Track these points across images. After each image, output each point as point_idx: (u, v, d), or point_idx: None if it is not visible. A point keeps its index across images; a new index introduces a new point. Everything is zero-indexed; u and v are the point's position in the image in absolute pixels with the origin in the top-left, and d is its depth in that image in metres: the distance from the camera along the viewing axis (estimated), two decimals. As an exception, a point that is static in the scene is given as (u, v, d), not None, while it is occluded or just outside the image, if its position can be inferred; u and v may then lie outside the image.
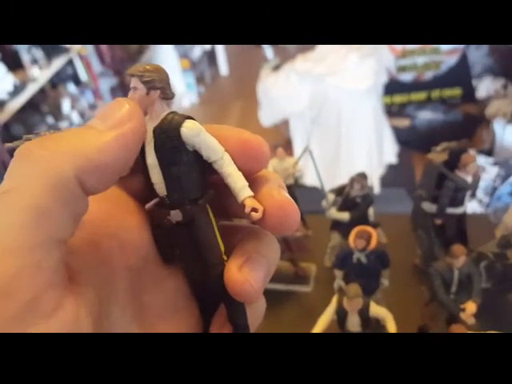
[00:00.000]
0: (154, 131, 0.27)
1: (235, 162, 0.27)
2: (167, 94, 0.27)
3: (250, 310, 0.29)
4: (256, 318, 0.30)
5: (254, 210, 0.26)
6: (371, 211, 1.10)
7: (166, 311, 0.29)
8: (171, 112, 0.27)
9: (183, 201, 0.27)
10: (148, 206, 0.28)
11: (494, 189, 2.37)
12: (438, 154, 0.98)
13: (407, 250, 1.17)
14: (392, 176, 2.73)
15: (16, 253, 0.20)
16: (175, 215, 0.27)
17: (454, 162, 0.96)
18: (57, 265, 0.22)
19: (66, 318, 0.21)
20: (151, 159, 0.27)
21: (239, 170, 0.27)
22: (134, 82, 0.26)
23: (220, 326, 0.30)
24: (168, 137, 0.26)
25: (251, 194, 0.27)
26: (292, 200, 0.27)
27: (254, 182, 0.27)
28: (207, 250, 0.28)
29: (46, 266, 0.21)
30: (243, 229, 0.30)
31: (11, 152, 0.24)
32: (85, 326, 0.22)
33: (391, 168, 2.77)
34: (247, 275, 0.26)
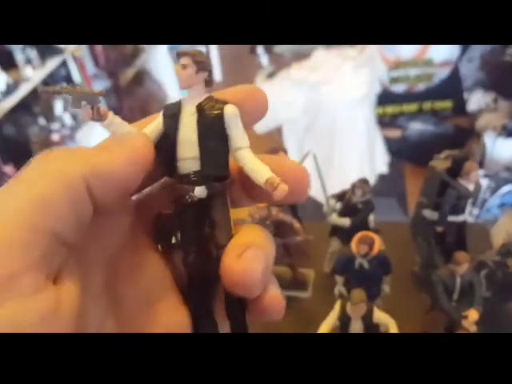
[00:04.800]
0: (199, 106, 0.28)
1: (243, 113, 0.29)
2: (211, 79, 0.29)
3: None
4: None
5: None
6: (371, 218, 1.10)
7: (142, 303, 0.28)
8: (211, 95, 0.29)
9: (211, 177, 0.28)
10: (162, 182, 0.30)
11: (484, 201, 2.39)
12: (441, 162, 0.98)
13: (405, 257, 1.17)
14: (383, 186, 2.75)
15: (10, 229, 0.21)
16: (200, 192, 0.28)
17: (456, 169, 0.96)
18: (46, 254, 0.22)
19: (44, 303, 0.21)
20: (188, 133, 0.28)
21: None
22: (185, 60, 0.28)
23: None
24: (212, 112, 0.28)
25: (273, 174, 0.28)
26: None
27: None
28: (220, 229, 0.28)
29: (36, 250, 0.21)
30: (240, 224, 0.30)
31: (45, 95, 0.25)
32: (64, 317, 0.22)
33: (382, 178, 2.78)
34: (244, 264, 0.26)
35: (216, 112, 0.28)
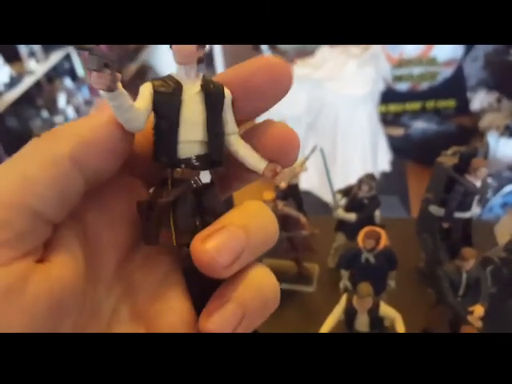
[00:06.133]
0: (204, 86, 0.26)
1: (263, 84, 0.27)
2: (203, 58, 0.27)
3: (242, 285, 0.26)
4: (258, 294, 0.27)
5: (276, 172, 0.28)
6: (377, 213, 1.10)
7: (157, 290, 0.28)
8: (203, 74, 0.27)
9: (216, 162, 0.27)
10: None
11: (486, 200, 2.39)
12: (448, 158, 0.98)
13: (409, 252, 1.17)
14: (385, 183, 2.75)
15: None
16: (205, 177, 0.27)
17: (464, 165, 0.96)
18: (24, 232, 0.22)
19: (11, 276, 0.21)
20: (193, 115, 0.26)
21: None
22: None
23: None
24: (216, 93, 0.27)
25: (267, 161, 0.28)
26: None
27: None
28: (218, 216, 0.26)
29: (12, 227, 0.21)
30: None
31: (83, 52, 0.23)
32: (31, 294, 0.22)
33: (384, 175, 2.78)
34: (208, 245, 0.25)
35: (218, 94, 0.27)
